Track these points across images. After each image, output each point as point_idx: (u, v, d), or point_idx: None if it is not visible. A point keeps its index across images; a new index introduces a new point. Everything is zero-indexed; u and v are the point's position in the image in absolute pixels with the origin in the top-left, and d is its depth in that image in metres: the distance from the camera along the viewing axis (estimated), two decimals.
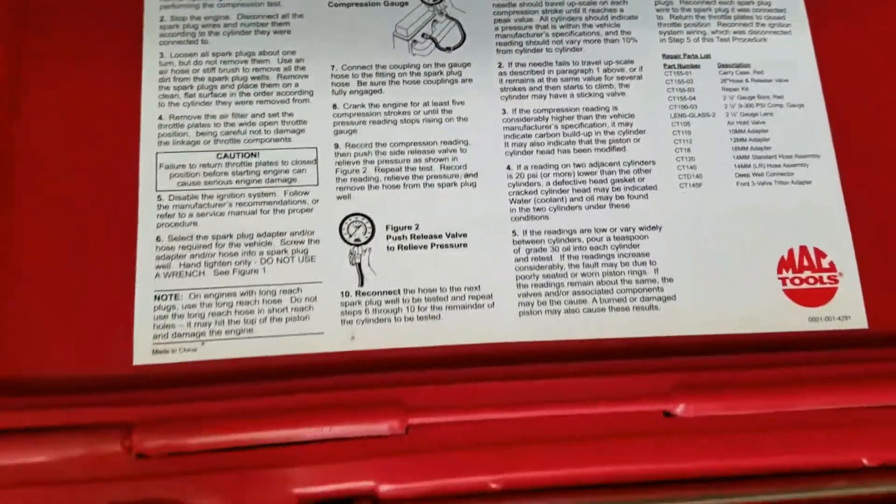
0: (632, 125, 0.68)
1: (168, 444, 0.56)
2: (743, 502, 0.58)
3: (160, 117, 0.65)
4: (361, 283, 0.64)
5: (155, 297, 0.62)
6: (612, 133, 0.68)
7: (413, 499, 0.58)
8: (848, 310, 0.65)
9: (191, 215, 0.64)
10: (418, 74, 0.68)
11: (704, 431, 0.59)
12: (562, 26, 0.70)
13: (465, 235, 0.65)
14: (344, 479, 0.57)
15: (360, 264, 0.64)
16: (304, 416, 0.58)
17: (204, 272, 0.63)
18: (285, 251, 0.64)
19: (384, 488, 0.57)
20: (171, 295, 0.62)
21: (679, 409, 0.59)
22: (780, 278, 0.66)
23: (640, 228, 0.66)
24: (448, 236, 0.65)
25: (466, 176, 0.66)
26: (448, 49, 0.69)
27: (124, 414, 0.57)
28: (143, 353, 0.61)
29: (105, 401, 0.58)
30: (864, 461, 0.59)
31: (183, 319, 0.62)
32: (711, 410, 0.59)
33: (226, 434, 0.57)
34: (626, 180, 0.67)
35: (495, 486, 0.58)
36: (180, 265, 0.63)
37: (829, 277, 0.66)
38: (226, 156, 0.65)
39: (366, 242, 0.65)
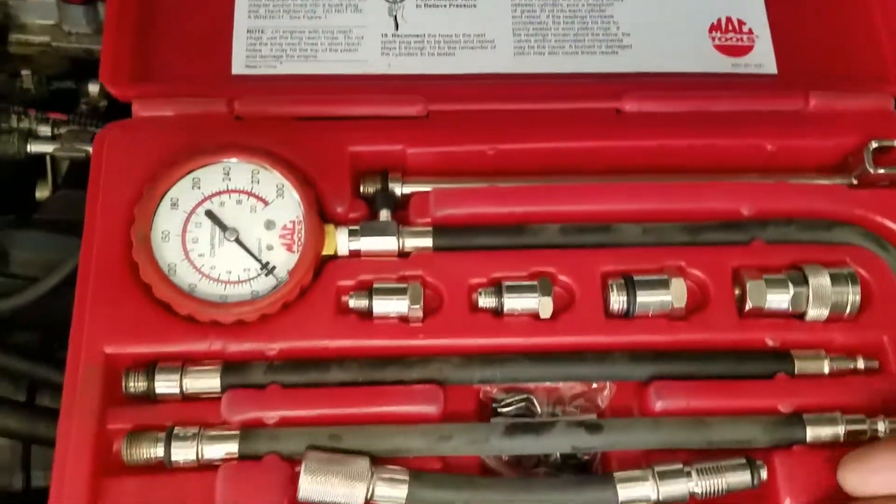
0: None
1: (259, 110, 0.79)
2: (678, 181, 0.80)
3: None
4: (396, 29, 0.86)
5: (247, 31, 0.85)
6: None
7: (431, 166, 0.80)
8: (761, 60, 0.87)
9: None
10: None
11: (646, 124, 0.81)
12: None
13: None
14: (382, 142, 0.79)
15: (396, 16, 0.87)
16: (355, 98, 0.81)
17: (282, 16, 0.86)
18: (342, 4, 0.87)
19: (411, 151, 0.79)
20: (258, 30, 0.85)
21: (628, 107, 0.81)
22: (710, 36, 0.87)
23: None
24: None
25: None
26: None
27: (229, 91, 0.80)
28: (239, 66, 0.84)
29: (217, 85, 0.81)
30: (768, 147, 0.80)
31: (267, 47, 0.85)
32: (654, 108, 0.81)
33: (301, 106, 0.80)
34: None
35: (491, 152, 0.80)
36: (265, 11, 0.86)
37: (748, 38, 0.87)
38: None
39: (401, 1, 0.87)
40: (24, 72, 1.03)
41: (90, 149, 0.84)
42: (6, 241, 0.88)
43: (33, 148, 0.91)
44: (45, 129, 0.92)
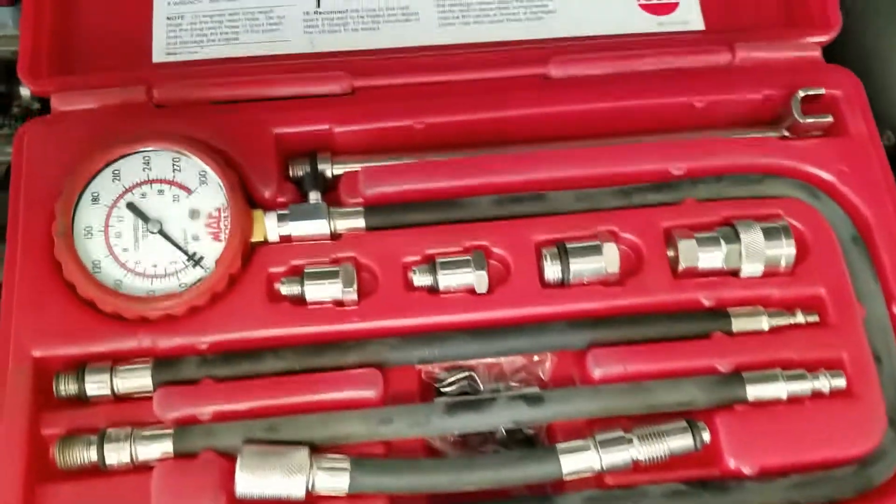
0: None
1: (180, 96, 0.73)
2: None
3: None
4: (318, 5, 0.80)
5: (167, 18, 0.78)
6: None
7: (360, 144, 0.74)
8: (687, 17, 0.81)
9: None
10: None
11: (573, 88, 0.75)
12: None
13: None
14: (308, 122, 0.73)
15: None
16: (277, 79, 0.74)
17: (202, 1, 0.79)
18: None
19: (338, 129, 0.73)
20: (178, 16, 0.79)
21: (554, 72, 0.75)
22: None
23: None
24: None
25: None
26: None
27: (147, 78, 0.73)
28: (160, 54, 0.77)
29: (133, 71, 0.74)
30: (697, 104, 0.75)
31: (187, 32, 0.78)
32: (580, 71, 0.75)
33: (222, 89, 0.73)
34: None
35: (419, 126, 0.74)
36: None
37: None
38: None
39: None
40: None
41: None
42: None
43: None
44: None
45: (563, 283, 0.68)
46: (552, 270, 0.67)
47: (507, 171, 0.72)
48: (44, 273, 0.66)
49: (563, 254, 0.67)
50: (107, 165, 0.67)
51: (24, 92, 0.94)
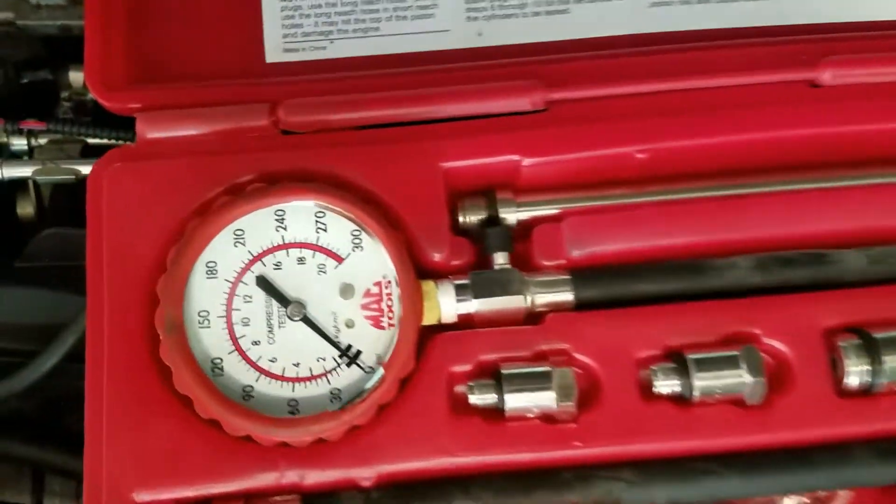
0: None
1: (313, 120, 0.53)
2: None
3: None
4: None
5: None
6: None
7: (555, 180, 0.55)
8: None
9: None
10: None
11: (852, 99, 0.55)
12: None
13: None
14: (489, 153, 0.53)
15: None
16: (444, 94, 0.55)
17: None
18: None
19: (527, 161, 0.54)
20: None
21: (826, 77, 0.55)
22: None
23: None
24: None
25: None
26: None
27: (268, 93, 0.54)
28: (275, 51, 0.58)
29: (249, 83, 0.55)
30: None
31: (310, 20, 0.59)
32: (860, 75, 0.55)
33: (370, 110, 0.54)
34: None
35: (641, 156, 0.54)
36: None
37: None
38: None
39: None
40: None
41: (81, 169, 0.61)
42: None
43: (6, 172, 0.66)
44: (19, 143, 0.67)
45: (868, 391, 0.49)
46: (857, 373, 0.48)
47: (768, 220, 0.53)
48: (145, 383, 0.48)
49: (872, 348, 0.48)
50: (226, 225, 0.49)
51: (76, 77, 0.75)
